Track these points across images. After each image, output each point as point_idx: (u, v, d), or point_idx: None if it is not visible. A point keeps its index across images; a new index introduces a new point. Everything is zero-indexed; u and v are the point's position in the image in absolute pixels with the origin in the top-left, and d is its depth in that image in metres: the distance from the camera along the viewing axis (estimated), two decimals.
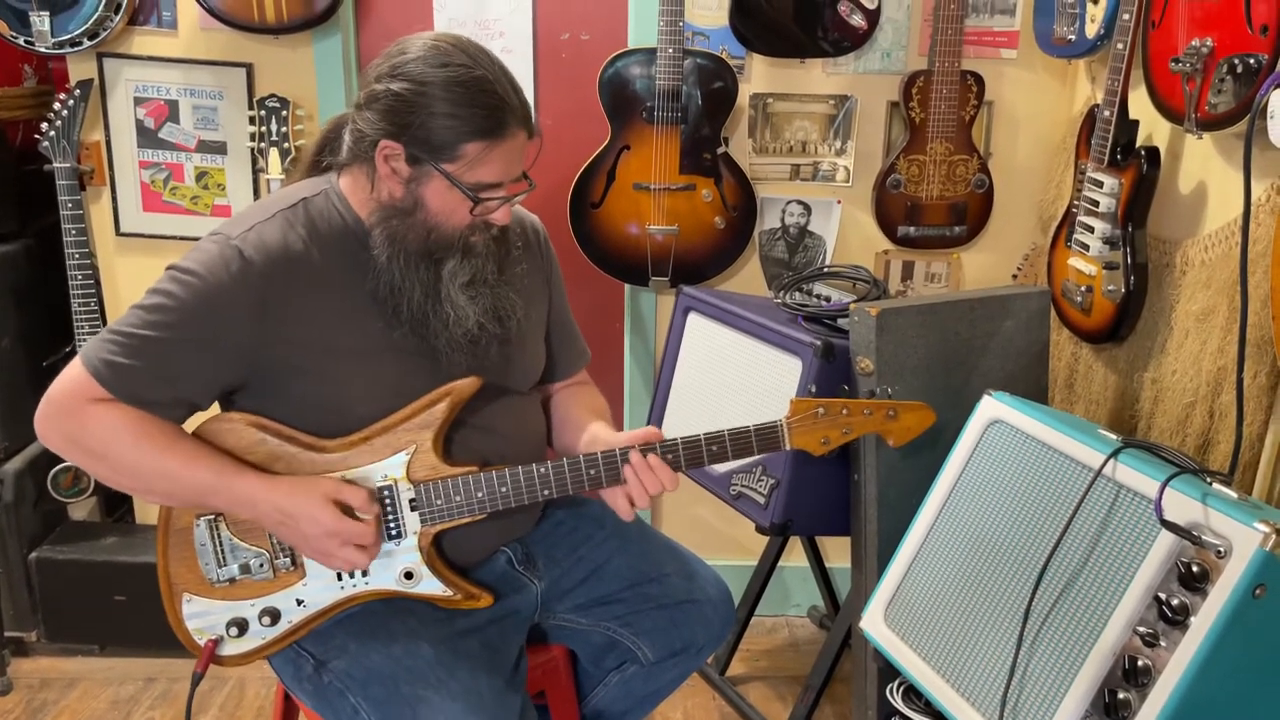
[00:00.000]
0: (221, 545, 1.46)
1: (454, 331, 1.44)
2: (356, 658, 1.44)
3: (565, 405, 1.70)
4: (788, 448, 1.53)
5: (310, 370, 1.42)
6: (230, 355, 1.39)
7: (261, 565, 1.46)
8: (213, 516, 1.45)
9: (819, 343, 1.86)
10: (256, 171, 2.45)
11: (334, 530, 1.39)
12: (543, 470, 1.47)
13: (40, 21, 2.26)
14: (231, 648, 1.48)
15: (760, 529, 1.95)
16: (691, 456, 1.49)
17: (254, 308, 1.38)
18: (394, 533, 1.46)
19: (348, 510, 1.40)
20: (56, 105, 2.34)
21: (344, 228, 1.45)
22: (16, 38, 2.28)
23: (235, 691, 2.41)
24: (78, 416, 1.35)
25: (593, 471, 1.48)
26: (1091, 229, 2.01)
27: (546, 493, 1.48)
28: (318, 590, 1.47)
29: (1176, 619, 1.22)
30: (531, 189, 1.47)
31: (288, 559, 1.46)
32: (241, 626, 1.47)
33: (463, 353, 1.46)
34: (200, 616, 1.47)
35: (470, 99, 1.35)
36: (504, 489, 1.46)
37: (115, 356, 1.35)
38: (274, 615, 1.47)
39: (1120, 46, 1.87)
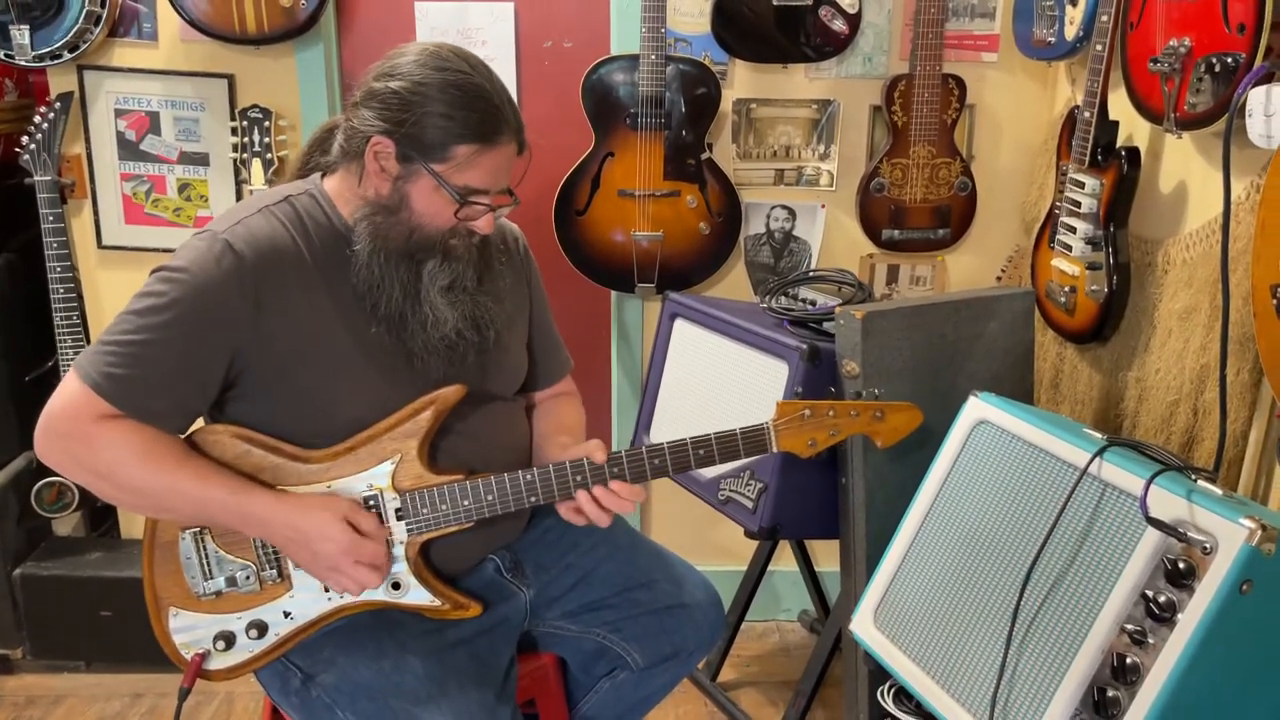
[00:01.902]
0: (207, 558, 1.45)
1: (431, 334, 1.44)
2: (345, 672, 1.43)
3: (541, 420, 1.69)
4: (775, 450, 1.53)
5: (297, 367, 1.41)
6: (226, 352, 1.38)
7: (248, 578, 1.45)
8: (198, 529, 1.44)
9: (805, 346, 1.86)
10: (239, 183, 2.44)
11: (348, 547, 1.38)
12: (529, 477, 1.47)
13: (20, 35, 2.25)
14: (218, 662, 1.47)
15: (749, 533, 1.94)
16: (678, 461, 1.49)
17: (247, 300, 1.37)
18: None
19: (359, 532, 1.40)
20: (37, 118, 2.33)
21: (329, 226, 1.45)
22: None
23: (223, 706, 2.40)
24: (82, 436, 1.33)
25: (579, 478, 1.47)
26: (1074, 229, 2.02)
27: (534, 500, 1.48)
28: (305, 602, 1.46)
29: (1164, 616, 1.22)
30: (515, 204, 1.47)
31: (274, 571, 1.45)
32: (228, 640, 1.46)
33: (438, 357, 1.46)
34: (186, 630, 1.46)
35: (466, 102, 1.36)
36: (490, 496, 1.46)
37: (114, 368, 1.33)
38: (261, 628, 1.46)
39: (1099, 48, 1.88)
